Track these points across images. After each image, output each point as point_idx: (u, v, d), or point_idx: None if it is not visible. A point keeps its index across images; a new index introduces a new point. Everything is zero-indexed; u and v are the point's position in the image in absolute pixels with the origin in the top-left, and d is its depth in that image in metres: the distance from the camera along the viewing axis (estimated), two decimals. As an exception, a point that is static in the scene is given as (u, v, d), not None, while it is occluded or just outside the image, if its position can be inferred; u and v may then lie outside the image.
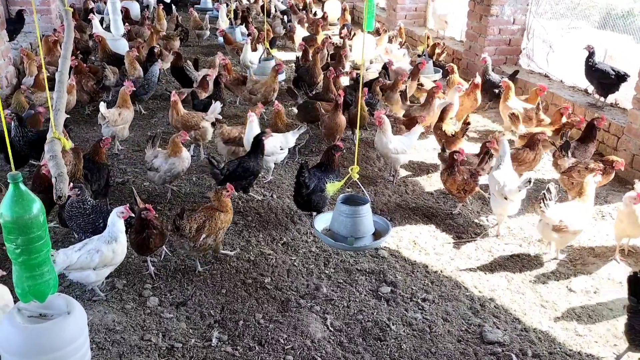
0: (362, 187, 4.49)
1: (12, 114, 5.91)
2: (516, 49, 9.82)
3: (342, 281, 4.79)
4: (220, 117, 7.09)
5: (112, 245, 4.22)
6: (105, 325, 4.09)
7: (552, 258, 5.14)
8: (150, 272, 4.70)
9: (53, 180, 3.62)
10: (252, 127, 6.30)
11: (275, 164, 6.60)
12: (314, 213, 5.69)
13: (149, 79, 8.18)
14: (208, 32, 12.80)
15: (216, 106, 7.03)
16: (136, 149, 7.27)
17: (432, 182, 6.63)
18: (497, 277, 4.88)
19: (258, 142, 5.89)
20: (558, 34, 9.33)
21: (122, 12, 12.40)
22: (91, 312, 4.16)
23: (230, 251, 5.07)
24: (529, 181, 5.21)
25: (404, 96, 7.61)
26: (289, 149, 6.72)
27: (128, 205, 4.41)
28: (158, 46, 9.84)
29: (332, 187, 4.73)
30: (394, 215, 5.83)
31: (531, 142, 6.20)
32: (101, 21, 11.68)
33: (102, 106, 6.86)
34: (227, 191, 4.81)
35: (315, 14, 14.99)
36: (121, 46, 9.96)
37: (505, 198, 5.31)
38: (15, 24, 9.90)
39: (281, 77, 9.21)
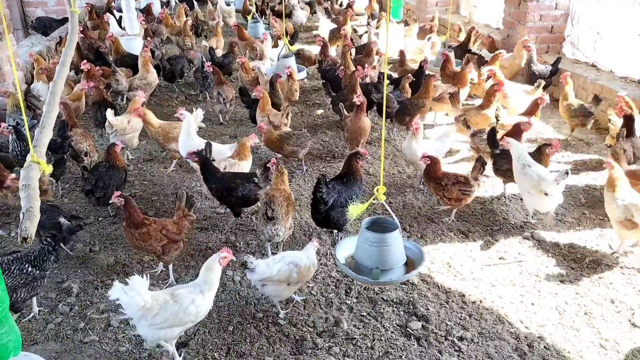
0: (390, 209, 3.88)
1: (10, 127, 5.51)
2: (559, 36, 8.96)
3: (365, 314, 4.20)
4: (203, 124, 6.52)
5: (307, 263, 4.09)
6: (97, 373, 3.63)
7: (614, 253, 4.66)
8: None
9: (20, 214, 3.14)
10: (188, 130, 5.78)
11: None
12: (335, 231, 5.12)
13: None
14: (221, 23, 12.32)
15: (198, 113, 6.48)
16: (147, 158, 6.81)
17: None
18: (547, 309, 4.21)
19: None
20: (607, 18, 8.40)
21: (144, 10, 12.04)
22: (80, 356, 3.70)
23: None
24: (567, 172, 4.86)
25: (455, 98, 6.88)
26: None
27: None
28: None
29: (354, 209, 4.13)
30: (425, 232, 5.20)
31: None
32: (120, 20, 11.30)
33: (110, 114, 6.41)
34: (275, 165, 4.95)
35: (341, 4, 14.31)
36: (136, 46, 9.53)
37: (546, 194, 4.94)
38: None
39: (302, 74, 8.64)
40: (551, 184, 4.91)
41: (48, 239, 4.06)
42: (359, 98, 6.35)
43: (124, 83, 8.00)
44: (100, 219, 5.43)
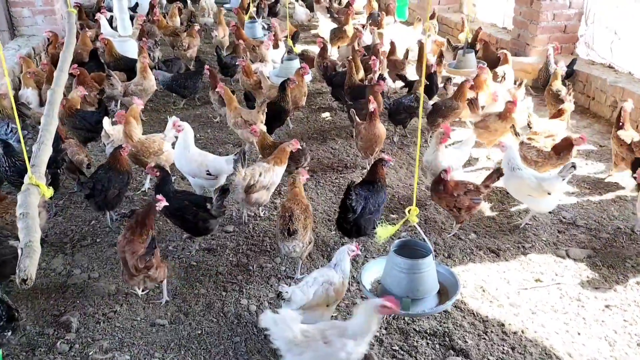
0: (422, 232, 3.50)
1: (-5, 142, 5.04)
2: (573, 36, 8.63)
3: (397, 348, 3.80)
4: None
5: (340, 278, 3.69)
6: None
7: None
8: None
9: (19, 250, 2.71)
10: (187, 142, 5.33)
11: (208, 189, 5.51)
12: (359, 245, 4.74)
13: None
14: (211, 20, 11.85)
15: (174, 120, 5.96)
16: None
17: (494, 205, 5.58)
18: (595, 340, 3.85)
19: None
20: (624, 17, 8.08)
21: (134, 8, 11.54)
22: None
23: None
24: (573, 166, 4.73)
25: (474, 104, 6.48)
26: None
27: None
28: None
29: (383, 231, 3.76)
30: (452, 251, 4.82)
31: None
32: (110, 20, 10.78)
33: (107, 122, 5.95)
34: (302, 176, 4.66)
35: (339, 2, 13.87)
36: (129, 47, 9.05)
37: (549, 193, 4.81)
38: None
39: (307, 78, 8.21)
40: (555, 180, 4.77)
41: None
42: (373, 104, 5.95)
43: (119, 88, 7.52)
44: (98, 240, 4.98)
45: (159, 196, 4.22)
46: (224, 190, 4.59)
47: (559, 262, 4.67)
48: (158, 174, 4.69)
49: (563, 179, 4.77)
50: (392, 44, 8.80)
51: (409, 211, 3.53)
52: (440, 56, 8.38)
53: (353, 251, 3.77)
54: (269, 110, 6.53)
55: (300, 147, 5.38)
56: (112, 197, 5.03)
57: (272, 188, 5.20)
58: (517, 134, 5.98)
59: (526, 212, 5.36)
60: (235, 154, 5.22)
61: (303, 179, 4.69)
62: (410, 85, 7.53)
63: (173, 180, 5.01)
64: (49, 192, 3.21)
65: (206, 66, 7.68)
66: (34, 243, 2.74)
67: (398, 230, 3.67)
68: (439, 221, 5.28)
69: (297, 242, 4.24)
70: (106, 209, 5.11)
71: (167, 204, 4.17)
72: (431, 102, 6.80)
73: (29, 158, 3.69)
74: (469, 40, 9.18)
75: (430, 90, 7.32)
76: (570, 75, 7.82)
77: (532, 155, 5.62)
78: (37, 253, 2.71)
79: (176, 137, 6.01)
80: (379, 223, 4.42)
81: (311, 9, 13.26)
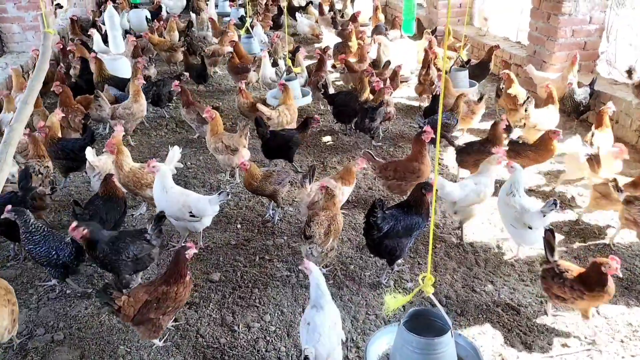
0: (439, 305, 2.94)
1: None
2: (593, 53, 8.04)
3: None
4: (181, 164, 5.56)
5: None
6: None
7: None
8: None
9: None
10: (163, 184, 4.81)
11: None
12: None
13: None
14: (210, 33, 11.40)
15: (175, 151, 5.51)
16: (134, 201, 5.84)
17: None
18: None
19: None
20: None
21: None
22: None
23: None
24: (554, 203, 4.36)
25: (508, 130, 5.98)
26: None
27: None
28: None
29: (392, 302, 3.20)
30: (465, 307, 4.24)
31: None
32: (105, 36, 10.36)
33: (90, 153, 5.46)
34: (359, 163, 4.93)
35: (342, 15, 13.35)
36: (121, 66, 8.57)
37: (530, 227, 4.48)
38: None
39: (307, 99, 7.71)
40: (535, 216, 4.44)
41: None
42: (428, 134, 5.30)
43: (107, 110, 7.02)
44: (68, 291, 4.45)
45: (189, 243, 3.89)
46: (159, 217, 4.22)
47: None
48: (85, 232, 3.99)
49: (544, 215, 4.42)
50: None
51: (422, 279, 2.97)
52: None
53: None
54: (278, 139, 6.11)
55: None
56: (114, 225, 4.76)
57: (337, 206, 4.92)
58: (619, 190, 4.84)
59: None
60: (219, 193, 4.81)
61: (360, 166, 5.11)
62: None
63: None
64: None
65: (175, 82, 7.19)
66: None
67: (409, 301, 3.09)
68: (450, 268, 4.71)
69: (315, 246, 4.24)
70: None
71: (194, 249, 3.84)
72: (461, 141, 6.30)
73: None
74: (466, 58, 8.69)
75: (433, 112, 6.83)
76: (591, 95, 7.23)
77: None
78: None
79: (177, 169, 5.53)
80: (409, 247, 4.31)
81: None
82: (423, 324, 3.09)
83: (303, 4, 14.13)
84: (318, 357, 3.22)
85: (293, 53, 9.08)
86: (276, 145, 6.23)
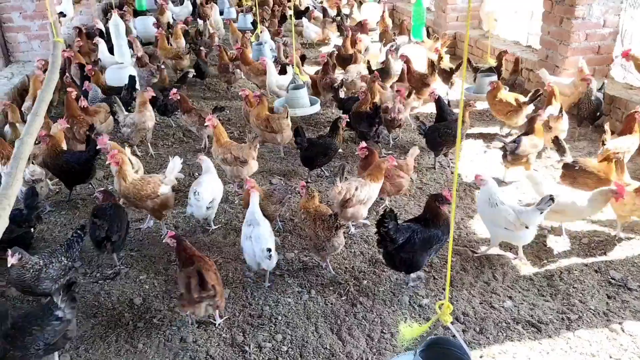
0: (458, 336, 2.79)
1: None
2: (607, 57, 7.87)
3: None
4: (182, 175, 5.47)
5: None
6: None
7: None
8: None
9: None
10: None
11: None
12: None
13: None
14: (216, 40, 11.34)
15: (175, 162, 5.35)
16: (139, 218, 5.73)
17: (530, 260, 4.84)
18: None
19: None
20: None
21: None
22: None
23: None
24: (552, 199, 4.45)
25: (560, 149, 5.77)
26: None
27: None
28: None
29: (407, 331, 3.04)
30: (484, 324, 4.08)
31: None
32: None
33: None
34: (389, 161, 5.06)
35: (347, 19, 13.24)
36: (127, 74, 8.46)
37: (527, 227, 4.52)
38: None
39: (316, 107, 7.60)
40: (532, 214, 4.50)
41: None
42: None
43: (122, 118, 6.87)
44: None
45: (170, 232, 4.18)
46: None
47: (613, 339, 3.92)
48: None
49: (541, 212, 4.51)
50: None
51: (440, 307, 2.82)
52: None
53: None
54: (317, 147, 6.09)
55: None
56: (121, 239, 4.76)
57: (368, 203, 5.10)
58: None
59: (569, 270, 4.63)
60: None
61: (391, 164, 5.07)
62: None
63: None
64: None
65: (173, 91, 7.10)
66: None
67: (426, 331, 2.93)
68: (467, 282, 4.56)
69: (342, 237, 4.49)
70: (118, 251, 4.86)
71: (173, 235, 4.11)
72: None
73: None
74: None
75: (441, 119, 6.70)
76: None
77: None
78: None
79: (177, 180, 5.42)
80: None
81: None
82: (439, 352, 2.94)
83: (305, 8, 14.09)
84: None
85: (302, 59, 8.99)
86: (315, 153, 6.17)
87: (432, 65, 8.15)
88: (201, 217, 5.29)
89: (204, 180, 5.29)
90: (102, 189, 5.16)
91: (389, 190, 5.45)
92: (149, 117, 6.85)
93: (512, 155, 5.88)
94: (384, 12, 12.35)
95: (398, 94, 6.90)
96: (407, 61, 8.05)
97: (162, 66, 8.57)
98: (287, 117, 6.58)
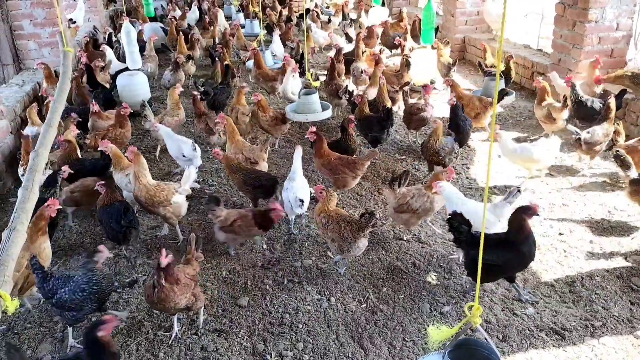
0: (488, 338, 2.76)
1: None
2: (620, 61, 7.83)
3: None
4: (197, 185, 5.42)
5: None
6: None
7: None
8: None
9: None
10: None
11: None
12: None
13: None
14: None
15: (191, 172, 5.32)
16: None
17: (550, 267, 4.79)
18: None
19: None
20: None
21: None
22: None
23: None
24: (518, 190, 4.72)
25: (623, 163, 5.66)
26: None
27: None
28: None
29: (436, 333, 3.01)
30: (507, 331, 4.04)
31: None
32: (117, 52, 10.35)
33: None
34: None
35: (351, 24, 13.23)
36: (139, 82, 8.50)
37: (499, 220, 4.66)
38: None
39: (327, 113, 7.56)
40: (503, 207, 4.65)
41: None
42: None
43: (152, 121, 6.94)
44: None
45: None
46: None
47: (638, 346, 3.88)
48: None
49: (511, 204, 4.64)
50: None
51: (469, 308, 2.79)
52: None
53: None
54: (334, 149, 6.05)
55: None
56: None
57: (423, 215, 5.02)
58: None
59: (590, 276, 4.58)
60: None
61: (450, 176, 5.06)
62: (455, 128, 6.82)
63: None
64: (13, 304, 2.56)
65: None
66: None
67: (457, 333, 2.91)
68: (488, 289, 4.52)
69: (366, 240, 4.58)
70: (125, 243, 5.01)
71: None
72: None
73: None
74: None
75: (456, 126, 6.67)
76: (619, 107, 7.00)
77: None
78: None
79: (192, 189, 5.41)
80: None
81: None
82: (466, 353, 2.92)
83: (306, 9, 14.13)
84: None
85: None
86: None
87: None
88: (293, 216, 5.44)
89: (297, 184, 5.31)
90: (102, 182, 4.97)
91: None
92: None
93: (586, 144, 6.08)
94: (401, 12, 12.41)
95: (425, 91, 7.01)
96: (452, 85, 7.65)
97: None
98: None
